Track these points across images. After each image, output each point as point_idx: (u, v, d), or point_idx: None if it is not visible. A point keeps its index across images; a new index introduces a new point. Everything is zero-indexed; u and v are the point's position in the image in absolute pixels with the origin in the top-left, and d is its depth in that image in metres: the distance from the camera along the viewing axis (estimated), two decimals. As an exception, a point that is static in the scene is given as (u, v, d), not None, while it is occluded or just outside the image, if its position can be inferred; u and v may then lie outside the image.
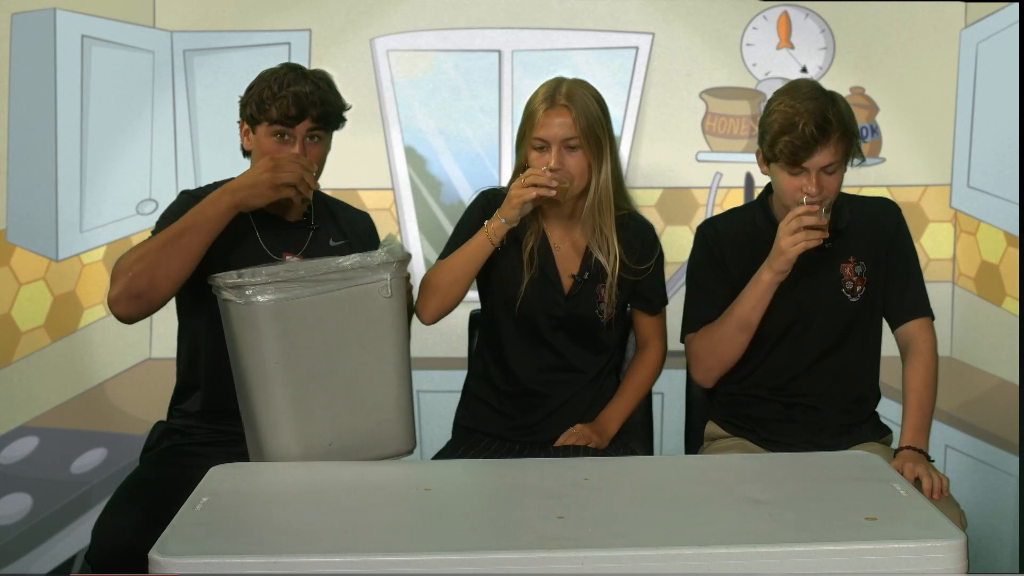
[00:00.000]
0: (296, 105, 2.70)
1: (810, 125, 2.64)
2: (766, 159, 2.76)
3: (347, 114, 2.84)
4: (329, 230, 2.88)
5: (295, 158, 2.65)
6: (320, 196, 2.91)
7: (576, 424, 2.88)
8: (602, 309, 2.87)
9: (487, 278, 2.91)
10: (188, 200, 2.77)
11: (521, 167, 2.86)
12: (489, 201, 2.90)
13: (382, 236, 2.87)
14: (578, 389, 2.93)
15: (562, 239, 2.90)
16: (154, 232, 2.75)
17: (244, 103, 2.79)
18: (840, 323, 2.81)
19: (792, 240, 2.65)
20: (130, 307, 2.65)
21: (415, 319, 2.84)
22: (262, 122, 2.74)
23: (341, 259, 2.55)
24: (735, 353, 2.83)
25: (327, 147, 2.81)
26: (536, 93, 2.84)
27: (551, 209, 2.88)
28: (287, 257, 2.78)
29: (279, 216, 2.83)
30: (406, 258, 2.60)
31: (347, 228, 2.91)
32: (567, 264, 2.90)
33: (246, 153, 2.86)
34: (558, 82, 2.84)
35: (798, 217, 2.65)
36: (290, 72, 2.75)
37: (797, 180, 2.70)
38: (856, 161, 2.77)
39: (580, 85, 2.84)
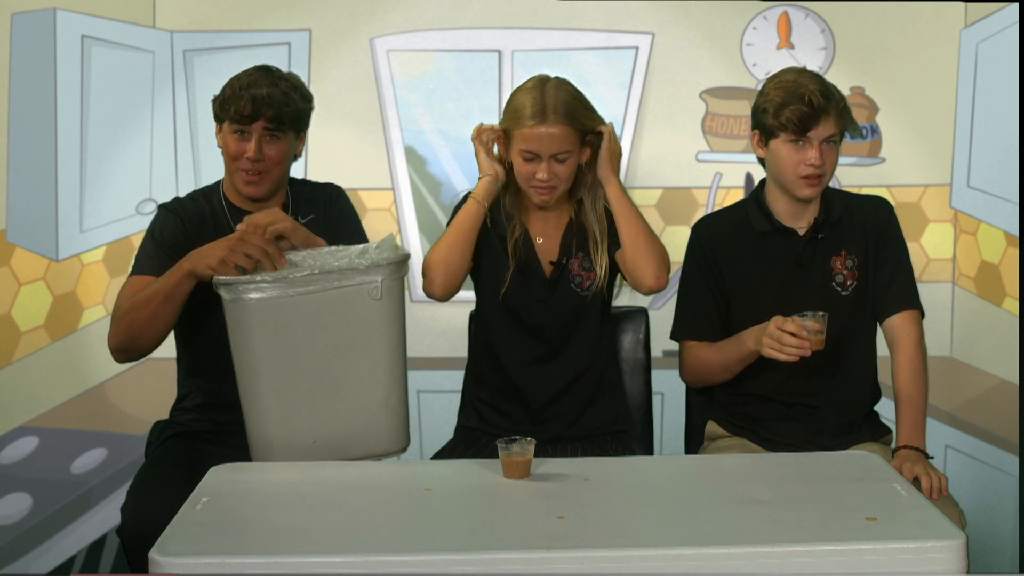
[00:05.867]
0: (251, 104, 2.81)
1: (815, 94, 2.71)
2: (767, 134, 2.78)
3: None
4: (299, 208, 2.96)
5: (260, 246, 2.61)
6: (294, 182, 3.00)
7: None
8: (578, 282, 2.88)
9: (476, 276, 2.96)
10: (166, 215, 2.90)
11: (503, 161, 2.90)
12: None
13: (376, 232, 2.89)
14: (570, 380, 2.93)
15: (542, 231, 2.93)
16: (143, 246, 2.87)
17: (213, 102, 2.89)
18: (832, 318, 2.79)
19: (772, 345, 2.65)
20: (121, 357, 2.85)
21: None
22: (224, 120, 2.86)
23: (334, 259, 2.57)
24: (717, 382, 2.90)
25: (290, 147, 2.89)
26: (522, 99, 2.84)
27: (530, 205, 2.92)
28: None
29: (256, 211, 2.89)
30: (402, 259, 2.60)
31: (310, 202, 2.98)
32: (547, 254, 2.93)
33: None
34: (542, 90, 2.83)
35: (784, 341, 2.64)
36: (255, 73, 2.86)
37: (800, 153, 2.74)
38: (853, 136, 2.84)
39: (564, 91, 2.85)
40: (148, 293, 2.72)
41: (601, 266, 2.89)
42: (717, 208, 3.83)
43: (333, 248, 2.63)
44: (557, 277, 2.91)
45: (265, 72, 2.87)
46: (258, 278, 2.54)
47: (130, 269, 2.87)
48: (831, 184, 2.89)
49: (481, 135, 2.89)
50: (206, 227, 2.87)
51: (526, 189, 2.87)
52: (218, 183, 2.97)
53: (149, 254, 2.84)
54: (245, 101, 2.80)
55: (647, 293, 2.90)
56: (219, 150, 2.92)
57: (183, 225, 2.86)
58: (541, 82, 2.86)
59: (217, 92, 2.89)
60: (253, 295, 2.53)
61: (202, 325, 2.85)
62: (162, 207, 2.93)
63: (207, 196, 2.95)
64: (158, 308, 2.70)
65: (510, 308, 2.92)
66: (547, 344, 2.93)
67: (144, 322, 2.72)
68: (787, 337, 2.62)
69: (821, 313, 2.64)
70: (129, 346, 2.78)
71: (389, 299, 2.58)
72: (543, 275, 2.92)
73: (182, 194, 3.01)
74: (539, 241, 2.93)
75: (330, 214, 2.97)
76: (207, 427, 2.89)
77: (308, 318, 2.54)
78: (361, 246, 2.63)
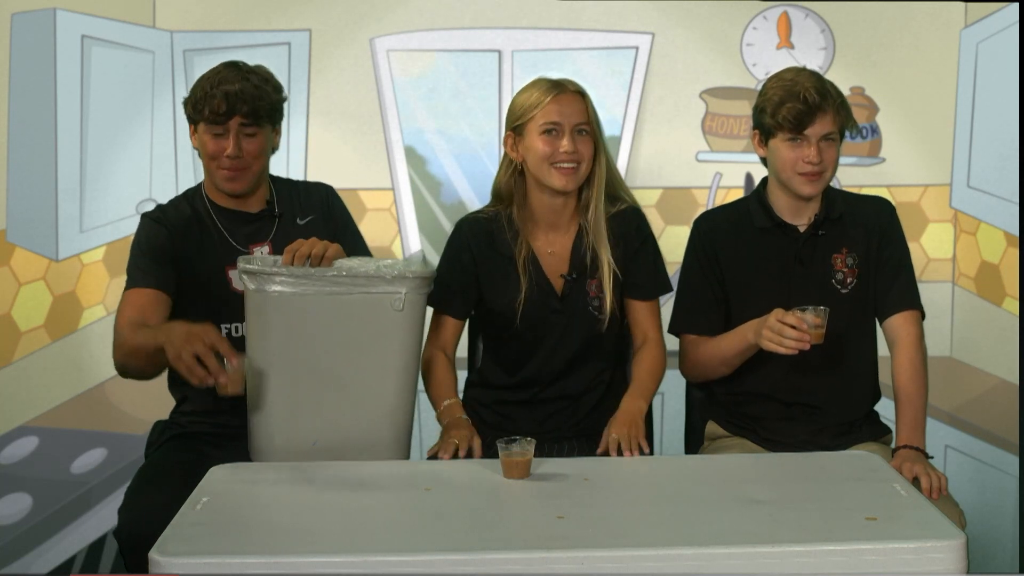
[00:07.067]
0: (225, 102, 2.77)
1: (811, 92, 2.72)
2: (765, 133, 2.79)
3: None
4: (294, 211, 2.94)
5: (196, 353, 2.44)
6: (277, 180, 2.98)
7: (611, 430, 2.73)
8: (596, 305, 2.87)
9: (483, 306, 2.94)
10: (149, 225, 2.87)
11: (509, 158, 2.90)
12: (470, 230, 2.93)
13: (376, 233, 2.89)
14: (581, 391, 2.93)
15: (547, 245, 2.92)
16: (130, 260, 2.84)
17: (184, 104, 2.87)
18: (832, 317, 2.78)
19: (772, 338, 2.64)
20: (126, 377, 2.78)
21: None
22: (200, 122, 2.82)
23: (361, 265, 2.57)
24: (717, 377, 2.90)
25: (267, 140, 2.86)
26: (531, 89, 2.86)
27: (540, 214, 2.90)
28: (254, 249, 2.83)
29: (241, 210, 2.89)
30: (429, 275, 2.60)
31: (306, 203, 2.96)
32: (556, 267, 2.91)
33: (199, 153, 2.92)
34: (552, 78, 2.86)
35: (784, 333, 2.62)
36: (224, 70, 2.82)
37: (798, 150, 2.75)
38: (852, 135, 2.86)
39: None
40: (137, 343, 2.64)
41: (609, 301, 2.87)
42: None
43: (364, 258, 2.64)
44: (569, 292, 2.90)
45: (234, 68, 2.84)
46: (284, 271, 2.54)
47: (124, 283, 2.83)
48: (832, 184, 2.90)
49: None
50: (191, 230, 2.86)
51: (547, 174, 2.82)
52: (199, 185, 2.95)
53: (140, 266, 2.81)
54: (219, 99, 2.77)
55: None
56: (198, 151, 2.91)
57: (167, 232, 2.84)
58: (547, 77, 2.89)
59: (187, 94, 2.86)
60: (276, 287, 2.53)
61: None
62: (145, 216, 2.90)
63: (189, 199, 2.92)
64: (146, 362, 2.67)
65: (524, 331, 2.88)
66: (563, 362, 2.92)
67: (137, 369, 2.72)
68: (787, 330, 2.62)
69: (822, 308, 2.64)
70: (131, 376, 2.77)
71: (410, 312, 2.58)
72: (555, 292, 2.90)
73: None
74: (548, 252, 2.92)
75: (329, 215, 2.97)
76: (208, 429, 2.88)
77: (327, 318, 2.54)
78: (391, 260, 2.63)
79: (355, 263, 2.59)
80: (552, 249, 2.91)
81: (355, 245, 2.92)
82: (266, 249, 2.84)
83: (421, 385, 2.87)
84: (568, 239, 2.91)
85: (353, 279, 2.54)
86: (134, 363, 2.70)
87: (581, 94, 2.84)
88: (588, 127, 2.82)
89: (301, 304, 2.53)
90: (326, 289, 2.54)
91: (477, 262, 2.91)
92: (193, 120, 2.84)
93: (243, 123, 2.80)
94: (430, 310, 2.84)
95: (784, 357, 2.69)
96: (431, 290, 2.65)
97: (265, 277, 2.52)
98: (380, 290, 2.56)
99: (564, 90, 2.82)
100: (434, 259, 3.01)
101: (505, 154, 2.91)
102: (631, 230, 2.92)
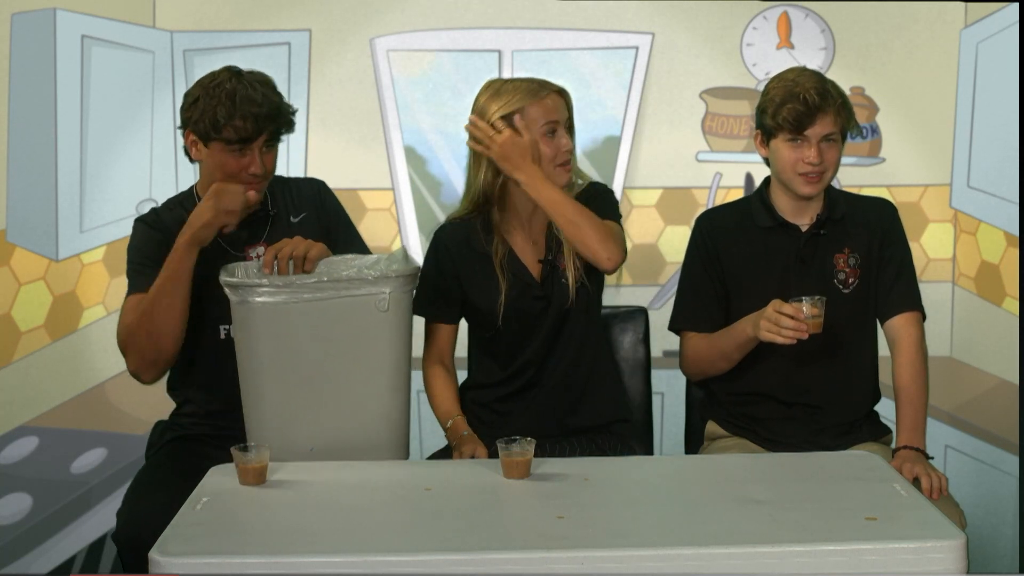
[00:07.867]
0: (254, 123, 2.72)
1: (811, 93, 2.72)
2: (767, 134, 2.80)
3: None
4: (287, 208, 2.92)
5: (237, 191, 2.62)
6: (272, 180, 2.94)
7: None
8: (566, 276, 2.88)
9: (465, 298, 2.93)
10: (144, 229, 2.85)
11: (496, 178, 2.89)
12: (449, 236, 2.92)
13: (376, 233, 2.88)
14: (571, 374, 2.93)
15: (529, 237, 2.92)
16: (129, 267, 2.82)
17: (196, 119, 2.76)
18: (833, 316, 2.78)
19: (770, 328, 2.65)
20: (151, 374, 2.76)
21: None
22: (216, 140, 2.75)
23: (344, 268, 2.56)
24: (717, 373, 2.89)
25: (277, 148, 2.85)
26: (513, 91, 2.85)
27: (524, 210, 2.90)
28: (250, 250, 2.82)
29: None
30: (412, 272, 2.60)
31: (298, 201, 2.94)
32: (535, 255, 2.91)
33: (192, 159, 2.86)
34: (531, 78, 2.89)
35: (782, 323, 2.63)
36: (236, 83, 2.74)
37: (798, 151, 2.75)
38: (853, 136, 2.84)
39: None
40: (153, 291, 2.67)
41: (571, 271, 2.87)
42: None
43: (347, 256, 2.63)
44: (548, 275, 2.91)
45: (247, 83, 2.75)
46: (266, 281, 2.53)
47: (126, 291, 2.80)
48: (832, 184, 2.90)
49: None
50: None
51: (552, 173, 2.82)
52: (191, 190, 2.92)
53: (143, 271, 2.78)
54: (247, 122, 2.71)
55: (609, 272, 2.83)
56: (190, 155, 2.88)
57: (164, 237, 2.80)
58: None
59: (193, 107, 2.76)
60: (260, 298, 2.52)
61: (200, 341, 2.83)
62: (140, 221, 2.87)
63: (182, 203, 2.89)
64: (170, 295, 2.66)
65: (511, 327, 2.89)
66: (546, 340, 2.92)
67: (162, 318, 2.67)
68: (785, 320, 2.62)
69: (819, 297, 2.64)
70: (155, 356, 2.71)
71: (396, 311, 2.57)
72: (535, 280, 2.91)
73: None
74: (532, 243, 2.92)
75: (321, 211, 2.94)
76: (209, 431, 2.86)
77: (314, 325, 2.54)
78: (374, 256, 2.63)
79: (338, 264, 2.59)
80: (535, 240, 2.92)
81: (350, 239, 2.91)
82: (262, 250, 2.82)
83: (419, 384, 2.88)
84: (543, 227, 2.92)
85: (336, 283, 2.53)
86: (159, 318, 2.67)
87: (560, 92, 2.86)
88: (569, 121, 2.87)
89: (286, 313, 2.52)
90: (309, 296, 2.53)
91: (457, 265, 2.91)
92: (206, 137, 2.76)
93: (266, 140, 2.76)
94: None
95: (784, 352, 2.70)
96: (416, 287, 2.65)
97: (248, 289, 2.52)
98: (364, 292, 2.55)
99: (550, 88, 2.85)
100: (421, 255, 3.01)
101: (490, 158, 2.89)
102: (601, 202, 2.90)
